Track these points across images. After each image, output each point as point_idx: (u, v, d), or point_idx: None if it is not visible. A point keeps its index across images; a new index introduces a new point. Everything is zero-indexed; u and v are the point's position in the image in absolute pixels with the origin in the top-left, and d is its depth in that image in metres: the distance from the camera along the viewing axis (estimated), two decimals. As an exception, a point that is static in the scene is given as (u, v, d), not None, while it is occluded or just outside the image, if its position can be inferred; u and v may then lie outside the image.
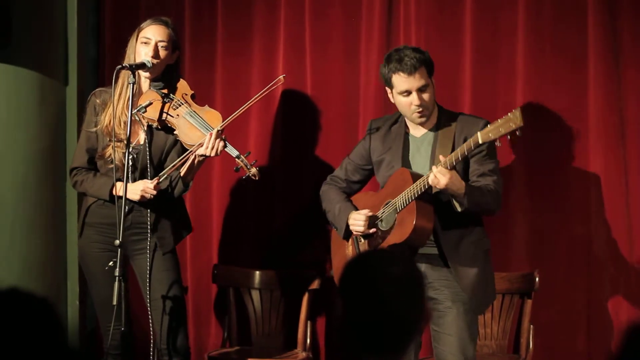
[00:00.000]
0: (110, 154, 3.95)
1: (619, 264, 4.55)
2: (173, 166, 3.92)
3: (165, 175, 3.92)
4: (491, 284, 3.98)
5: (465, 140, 3.76)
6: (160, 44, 3.99)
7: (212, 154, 3.86)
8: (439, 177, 3.63)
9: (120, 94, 3.97)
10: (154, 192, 3.90)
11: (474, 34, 4.64)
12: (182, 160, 3.91)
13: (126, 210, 3.92)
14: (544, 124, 4.60)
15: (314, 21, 4.83)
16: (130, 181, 3.90)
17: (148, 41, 3.99)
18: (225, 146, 3.87)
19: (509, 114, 3.59)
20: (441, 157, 3.69)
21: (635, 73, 4.52)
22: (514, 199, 4.56)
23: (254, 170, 3.84)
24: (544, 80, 4.60)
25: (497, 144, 3.63)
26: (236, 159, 3.87)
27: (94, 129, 4.02)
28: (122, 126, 3.93)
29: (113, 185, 3.94)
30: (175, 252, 4.10)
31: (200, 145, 3.86)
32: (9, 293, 1.83)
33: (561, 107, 4.59)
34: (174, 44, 4.04)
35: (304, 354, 4.65)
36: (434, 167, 3.67)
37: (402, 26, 4.71)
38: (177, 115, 3.97)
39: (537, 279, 4.49)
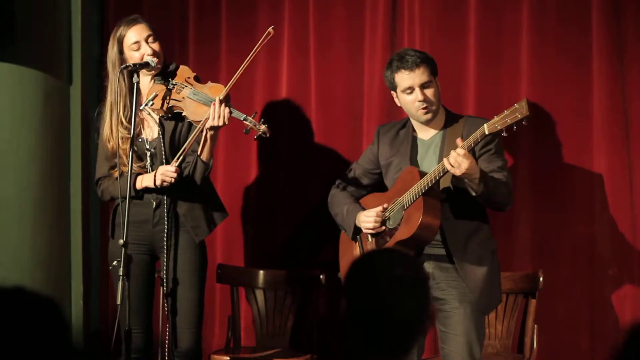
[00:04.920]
0: (117, 175, 3.95)
1: (623, 263, 4.55)
2: (186, 145, 3.93)
3: (181, 157, 3.92)
4: (497, 285, 3.96)
5: None
6: (149, 40, 4.00)
7: (221, 123, 3.84)
8: (461, 160, 3.56)
9: (112, 110, 3.98)
10: (174, 175, 3.89)
11: (478, 33, 4.64)
12: (194, 138, 3.92)
13: (154, 205, 3.94)
14: (548, 123, 4.60)
15: (318, 20, 4.83)
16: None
17: (138, 44, 3.99)
18: (231, 112, 3.87)
19: (515, 104, 3.58)
20: (458, 141, 3.65)
21: (639, 73, 4.52)
22: (518, 199, 4.54)
23: (263, 127, 3.83)
24: (548, 80, 4.59)
25: (504, 134, 3.61)
26: (244, 122, 3.86)
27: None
28: (121, 143, 3.94)
29: (135, 181, 3.96)
30: (204, 251, 4.09)
31: (208, 118, 3.87)
32: (14, 292, 1.83)
33: (565, 107, 4.59)
34: (155, 32, 4.05)
35: (308, 355, 4.64)
36: (452, 152, 3.60)
37: (406, 26, 4.71)
38: (182, 98, 3.98)
39: (541, 279, 4.49)
